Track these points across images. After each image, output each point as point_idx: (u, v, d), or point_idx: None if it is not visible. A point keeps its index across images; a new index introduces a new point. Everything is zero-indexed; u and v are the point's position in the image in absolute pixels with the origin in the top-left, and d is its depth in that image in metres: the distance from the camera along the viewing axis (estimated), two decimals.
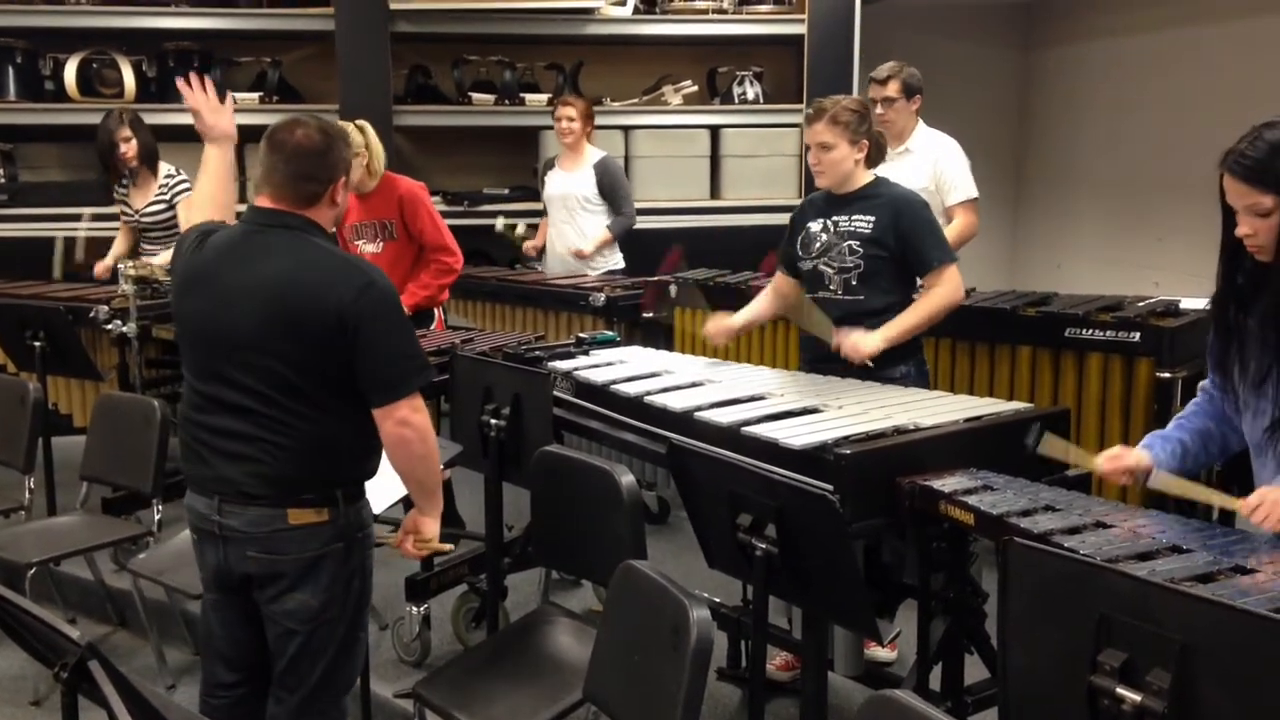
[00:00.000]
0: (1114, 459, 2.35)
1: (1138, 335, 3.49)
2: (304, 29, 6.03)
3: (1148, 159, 6.79)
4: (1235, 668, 1.44)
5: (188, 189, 5.12)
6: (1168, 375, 3.44)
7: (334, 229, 2.60)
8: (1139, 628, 1.53)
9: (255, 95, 6.00)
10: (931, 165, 4.34)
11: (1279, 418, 2.14)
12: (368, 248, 4.38)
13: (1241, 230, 2.10)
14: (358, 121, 4.29)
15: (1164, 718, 1.48)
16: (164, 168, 5.11)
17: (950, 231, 4.28)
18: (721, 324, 3.50)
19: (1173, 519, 2.23)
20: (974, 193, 4.33)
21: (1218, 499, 2.18)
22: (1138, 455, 2.34)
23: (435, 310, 4.53)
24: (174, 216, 5.16)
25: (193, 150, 5.55)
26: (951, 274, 3.19)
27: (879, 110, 4.34)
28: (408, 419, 2.40)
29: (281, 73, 6.11)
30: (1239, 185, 2.07)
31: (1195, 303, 3.70)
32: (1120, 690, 1.52)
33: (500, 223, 5.81)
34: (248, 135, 6.10)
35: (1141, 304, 3.68)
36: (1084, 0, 7.60)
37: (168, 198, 5.09)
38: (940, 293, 3.17)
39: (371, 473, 2.55)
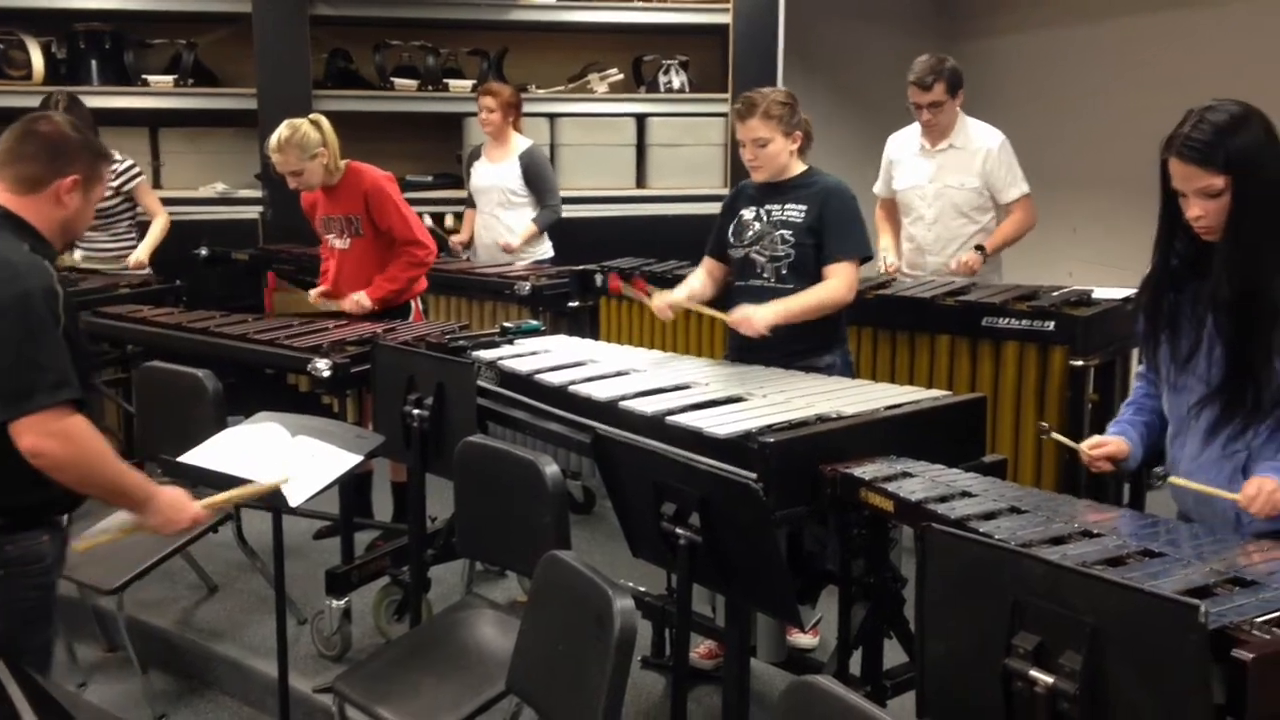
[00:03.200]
0: (1097, 446, 2.42)
1: (1052, 324, 3.56)
2: (220, 10, 5.89)
3: (1063, 150, 6.93)
4: (1143, 649, 1.48)
5: (139, 175, 5.10)
6: (1080, 363, 3.53)
7: (66, 238, 2.43)
8: (1051, 611, 1.56)
9: (169, 78, 5.85)
10: (980, 164, 4.25)
11: (1206, 394, 2.20)
12: (337, 242, 4.19)
13: (1193, 213, 2.15)
14: (312, 116, 4.09)
15: (1075, 699, 1.51)
16: None
17: (1008, 226, 4.28)
18: (667, 297, 3.42)
19: (1085, 504, 2.28)
20: (1026, 188, 4.28)
21: (1222, 494, 2.19)
22: (1117, 441, 2.41)
23: (412, 303, 4.33)
24: (122, 203, 5.05)
25: (104, 134, 5.44)
26: (847, 271, 3.19)
27: (925, 116, 4.24)
28: (38, 448, 2.13)
29: (197, 55, 5.95)
30: (1189, 168, 2.12)
31: (1107, 292, 3.79)
32: (1033, 672, 1.55)
33: (427, 221, 5.75)
34: (162, 119, 6.05)
35: (1056, 294, 3.76)
36: None
37: (115, 185, 4.98)
38: (831, 286, 3.18)
39: (34, 503, 2.27)
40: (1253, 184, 2.09)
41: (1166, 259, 2.29)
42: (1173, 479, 2.29)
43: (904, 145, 4.45)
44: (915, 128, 4.40)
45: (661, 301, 3.36)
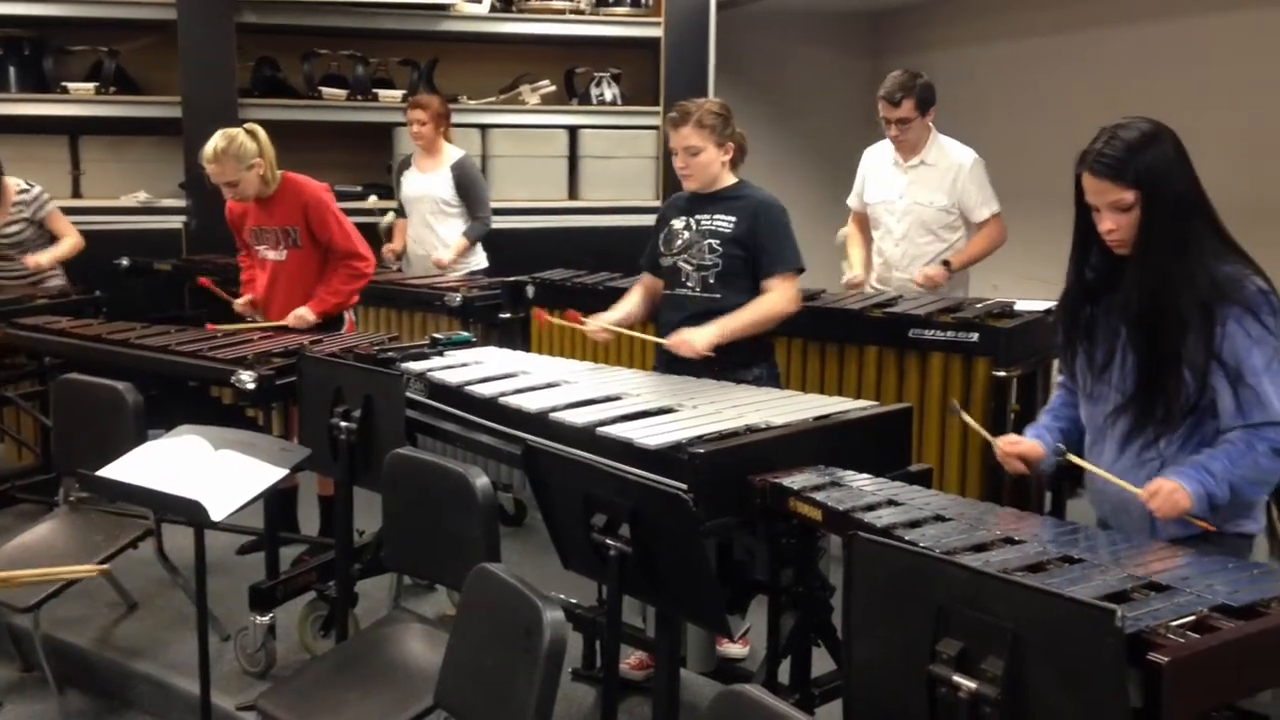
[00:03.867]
0: (1013, 444, 2.46)
1: (976, 336, 3.63)
2: (143, 17, 5.79)
3: (990, 163, 7.09)
4: (1062, 654, 1.51)
5: (49, 201, 4.95)
6: (1003, 374, 3.60)
7: None
8: (974, 617, 1.58)
9: (91, 86, 5.73)
10: (950, 182, 4.22)
11: (1120, 403, 2.26)
12: (270, 254, 4.12)
13: (1104, 226, 2.21)
14: (248, 126, 4.01)
15: (997, 703, 1.54)
16: (12, 184, 4.85)
17: (978, 243, 4.25)
18: (600, 321, 3.44)
19: (1008, 512, 2.32)
20: (997, 206, 4.26)
21: (1123, 484, 2.24)
22: (1032, 444, 2.45)
23: (346, 314, 4.26)
24: (36, 233, 4.90)
25: (21, 142, 5.34)
26: (788, 284, 3.22)
27: (894, 131, 4.20)
28: None
29: (119, 63, 5.84)
30: (1101, 183, 2.19)
31: (1029, 304, 3.88)
32: (956, 678, 1.57)
33: (386, 219, 5.71)
34: (83, 127, 5.92)
35: (979, 305, 3.83)
36: (928, 12, 7.88)
37: (29, 215, 4.86)
38: (772, 299, 3.21)
39: None
40: (1161, 199, 2.16)
41: (1081, 271, 2.35)
42: (1070, 456, 2.34)
43: (878, 158, 4.43)
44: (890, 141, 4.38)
45: (596, 325, 3.37)
